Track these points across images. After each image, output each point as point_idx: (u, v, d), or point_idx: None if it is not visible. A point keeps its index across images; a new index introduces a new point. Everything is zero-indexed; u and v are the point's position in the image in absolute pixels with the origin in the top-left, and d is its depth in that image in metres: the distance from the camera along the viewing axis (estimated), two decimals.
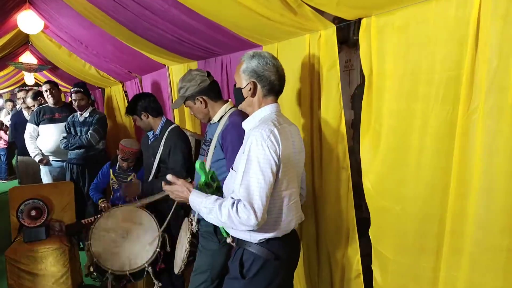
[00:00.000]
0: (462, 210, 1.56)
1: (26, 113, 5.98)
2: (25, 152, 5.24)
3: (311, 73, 2.30)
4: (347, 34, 3.44)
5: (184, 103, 2.54)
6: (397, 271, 1.88)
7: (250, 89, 1.91)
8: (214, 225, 2.27)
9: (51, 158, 5.02)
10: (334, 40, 2.13)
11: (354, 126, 3.43)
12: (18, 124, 5.90)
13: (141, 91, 5.33)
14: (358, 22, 1.96)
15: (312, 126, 2.36)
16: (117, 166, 3.98)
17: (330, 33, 2.14)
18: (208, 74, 2.54)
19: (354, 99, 3.67)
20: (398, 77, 1.75)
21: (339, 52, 2.90)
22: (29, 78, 9.28)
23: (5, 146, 8.85)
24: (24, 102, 6.09)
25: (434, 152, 1.64)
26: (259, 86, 1.91)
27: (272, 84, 1.91)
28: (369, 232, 2.03)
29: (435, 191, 1.66)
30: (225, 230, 2.14)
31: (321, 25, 2.14)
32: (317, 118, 2.32)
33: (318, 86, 2.26)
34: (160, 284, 2.97)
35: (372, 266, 2.08)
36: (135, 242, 2.99)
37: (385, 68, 1.81)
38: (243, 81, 1.93)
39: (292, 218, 1.92)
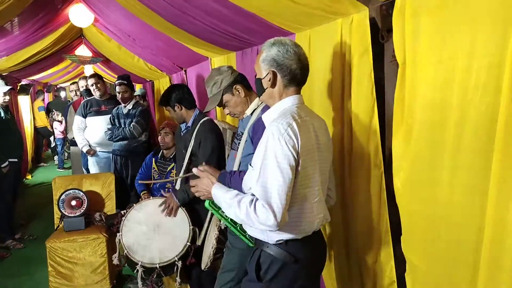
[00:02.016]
0: (503, 218, 1.33)
1: None
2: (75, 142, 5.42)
3: (342, 62, 2.12)
4: None
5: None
6: (429, 283, 1.67)
7: (270, 79, 1.77)
8: None
9: (98, 149, 5.13)
10: (367, 24, 1.93)
11: None
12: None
13: (186, 84, 5.34)
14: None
15: (343, 120, 2.17)
16: (159, 155, 4.01)
17: (362, 16, 1.94)
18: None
19: None
20: (434, 64, 1.53)
21: (386, 41, 2.69)
22: (89, 71, 9.61)
23: (62, 137, 9.24)
24: (76, 94, 6.28)
25: (471, 149, 1.42)
26: (279, 76, 1.76)
27: (294, 73, 1.75)
28: (401, 238, 1.83)
29: (472, 194, 1.44)
30: (246, 238, 2.03)
31: (352, 8, 1.95)
32: (348, 111, 2.13)
33: (350, 76, 2.08)
34: (180, 280, 2.91)
35: (406, 275, 1.87)
36: (165, 235, 2.95)
37: (419, 55, 1.60)
38: (262, 71, 1.80)
39: (313, 218, 1.77)
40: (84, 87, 5.91)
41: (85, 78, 6.04)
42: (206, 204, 2.07)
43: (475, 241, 1.46)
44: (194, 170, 2.14)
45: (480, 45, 1.36)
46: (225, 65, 2.56)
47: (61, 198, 3.69)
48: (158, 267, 2.87)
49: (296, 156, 1.61)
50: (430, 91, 1.54)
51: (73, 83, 6.64)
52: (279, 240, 1.76)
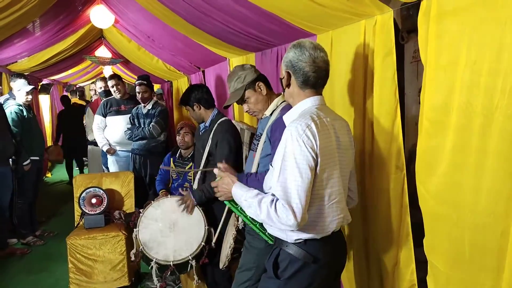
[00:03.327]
0: None
1: None
2: (94, 142, 5.49)
3: (365, 63, 2.11)
4: (416, 22, 3.20)
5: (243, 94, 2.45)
6: (452, 286, 1.65)
7: (286, 79, 1.84)
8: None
9: (117, 148, 5.21)
10: (391, 25, 1.92)
11: None
12: None
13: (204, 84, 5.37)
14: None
15: (365, 121, 2.17)
16: (177, 155, 4.04)
17: (386, 18, 1.94)
18: None
19: None
20: (459, 67, 1.51)
21: (406, 42, 2.67)
22: (108, 71, 9.71)
23: None
24: (96, 93, 6.36)
25: (497, 153, 1.40)
26: (293, 78, 1.82)
27: (306, 76, 1.78)
28: (423, 241, 1.82)
29: (497, 198, 1.42)
30: (266, 235, 2.04)
31: (376, 9, 1.95)
32: (370, 113, 2.12)
33: (372, 78, 2.07)
34: (199, 280, 2.94)
35: (427, 278, 1.86)
36: (181, 233, 2.98)
37: (444, 57, 1.58)
38: (283, 71, 1.86)
39: (333, 219, 1.77)
40: (102, 88, 5.90)
41: (102, 79, 6.03)
42: (226, 201, 2.10)
43: (499, 246, 1.45)
44: (215, 171, 2.17)
45: (507, 48, 1.34)
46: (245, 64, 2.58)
47: (82, 196, 3.75)
48: (171, 264, 2.91)
49: (314, 157, 1.63)
50: (456, 94, 1.53)
51: (93, 82, 6.70)
52: (298, 239, 1.77)
